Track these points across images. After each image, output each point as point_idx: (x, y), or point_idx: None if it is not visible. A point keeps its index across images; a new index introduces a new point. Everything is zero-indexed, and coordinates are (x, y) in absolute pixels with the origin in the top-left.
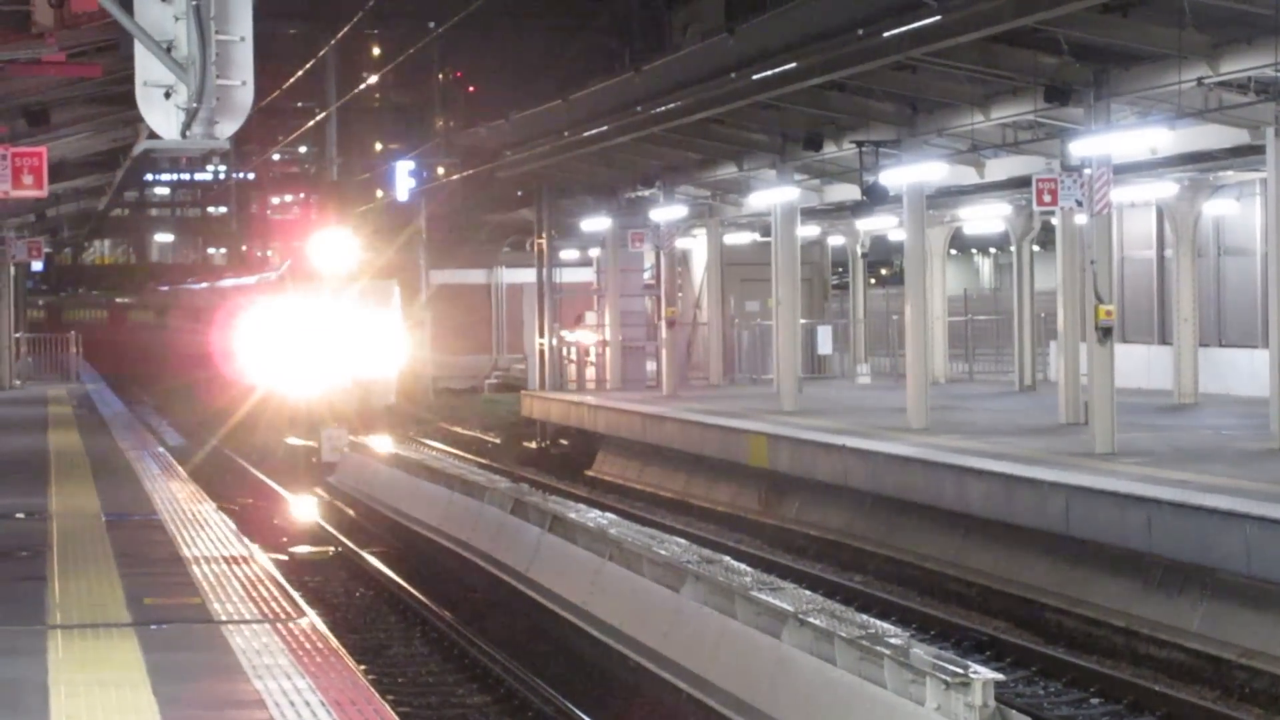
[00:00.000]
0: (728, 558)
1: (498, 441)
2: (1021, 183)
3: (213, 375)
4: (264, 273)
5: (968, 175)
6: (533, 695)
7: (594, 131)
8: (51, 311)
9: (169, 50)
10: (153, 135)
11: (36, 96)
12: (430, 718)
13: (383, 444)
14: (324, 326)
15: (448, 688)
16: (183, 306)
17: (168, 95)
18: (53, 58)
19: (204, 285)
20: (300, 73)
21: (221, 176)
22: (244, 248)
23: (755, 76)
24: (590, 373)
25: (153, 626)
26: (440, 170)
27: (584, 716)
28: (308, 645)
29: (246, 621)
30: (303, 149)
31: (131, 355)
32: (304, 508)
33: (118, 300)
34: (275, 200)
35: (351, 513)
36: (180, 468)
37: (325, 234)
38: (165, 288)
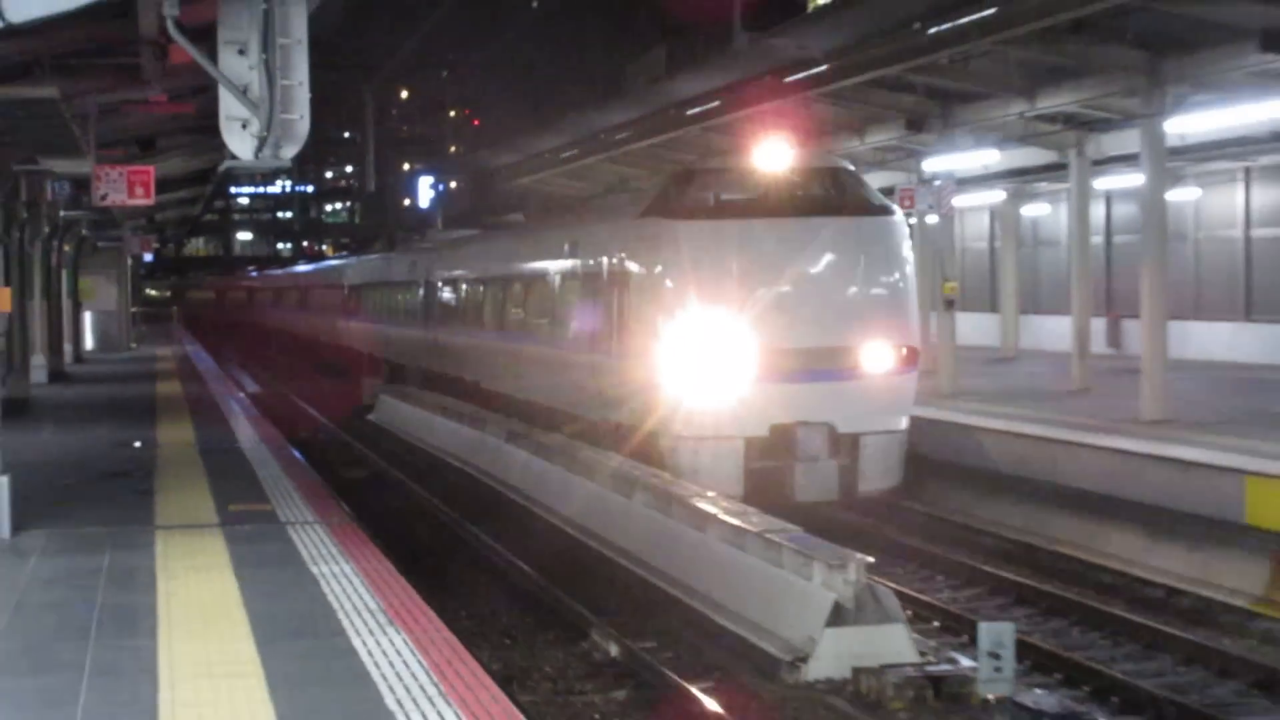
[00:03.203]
0: (666, 474)
1: None
2: (887, 192)
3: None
4: (602, 212)
5: None
6: (516, 574)
7: (569, 154)
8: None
9: (245, 92)
10: (233, 157)
11: (145, 129)
12: (441, 589)
13: (407, 390)
14: (737, 311)
15: (455, 568)
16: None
17: (244, 126)
18: (157, 99)
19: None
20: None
21: (287, 189)
22: (304, 243)
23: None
24: None
25: (234, 526)
26: (453, 184)
27: (556, 590)
28: (351, 540)
29: (306, 523)
30: (349, 168)
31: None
32: (351, 438)
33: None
34: (328, 208)
35: (385, 442)
36: (255, 408)
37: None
38: (340, 260)
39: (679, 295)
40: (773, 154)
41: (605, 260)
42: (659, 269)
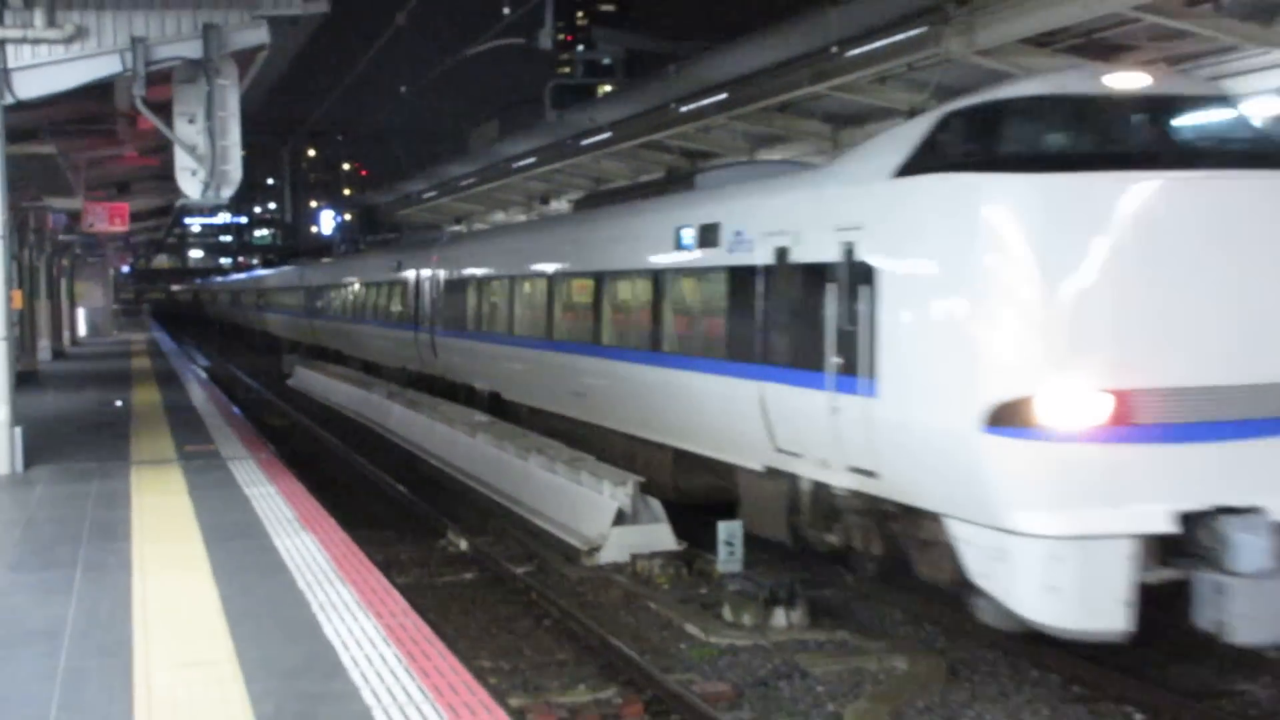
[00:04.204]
0: (501, 421)
1: None
2: None
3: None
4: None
5: None
6: (393, 492)
7: (429, 195)
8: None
9: (194, 150)
10: (186, 196)
11: (121, 176)
12: (339, 504)
13: (314, 362)
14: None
15: (349, 488)
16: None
17: (194, 174)
18: (129, 154)
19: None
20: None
21: (227, 219)
22: (239, 259)
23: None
24: None
25: (188, 461)
26: (347, 216)
27: (422, 503)
28: (274, 469)
29: (241, 458)
30: (272, 205)
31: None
32: (274, 397)
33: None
34: (256, 233)
35: (301, 401)
36: (206, 375)
37: None
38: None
39: (1005, 296)
40: (1134, 77)
41: (794, 245)
42: (961, 253)
